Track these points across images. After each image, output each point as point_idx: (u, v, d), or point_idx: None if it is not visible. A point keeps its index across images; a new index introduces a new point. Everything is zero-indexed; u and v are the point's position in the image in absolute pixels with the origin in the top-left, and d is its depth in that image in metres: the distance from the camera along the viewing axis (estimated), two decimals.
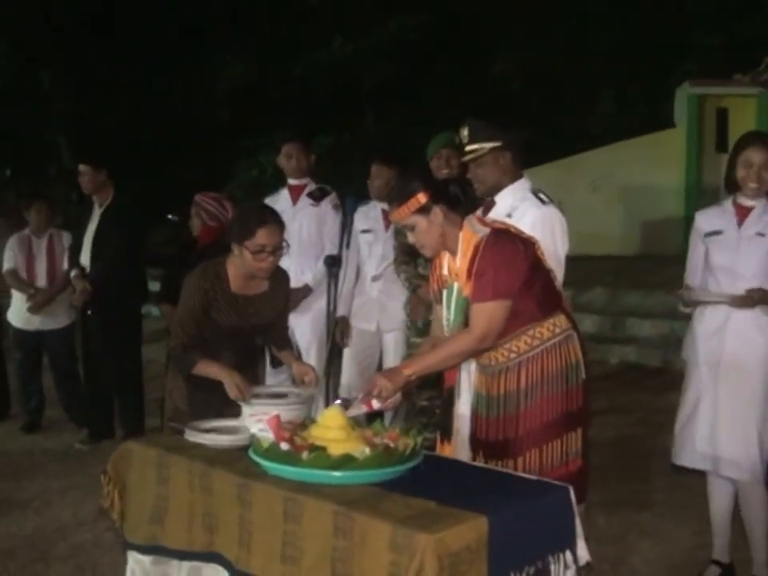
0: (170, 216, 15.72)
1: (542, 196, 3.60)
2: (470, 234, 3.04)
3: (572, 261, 9.99)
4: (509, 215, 3.49)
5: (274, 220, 3.47)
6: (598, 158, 15.24)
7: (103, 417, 5.90)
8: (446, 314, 3.19)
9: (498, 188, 3.60)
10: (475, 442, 3.22)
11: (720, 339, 3.65)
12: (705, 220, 3.83)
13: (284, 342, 3.78)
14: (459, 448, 3.32)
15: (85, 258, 5.81)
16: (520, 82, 17.01)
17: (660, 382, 7.34)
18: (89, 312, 5.73)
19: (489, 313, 2.96)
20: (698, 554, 4.08)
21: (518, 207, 3.52)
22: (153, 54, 16.72)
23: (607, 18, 17.65)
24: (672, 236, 14.43)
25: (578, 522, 2.66)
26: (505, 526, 2.41)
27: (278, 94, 17.01)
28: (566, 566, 2.61)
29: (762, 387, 3.59)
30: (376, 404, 2.98)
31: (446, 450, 3.30)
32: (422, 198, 3.02)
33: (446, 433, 3.32)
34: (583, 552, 2.68)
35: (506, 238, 3.02)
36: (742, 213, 3.68)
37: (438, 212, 3.03)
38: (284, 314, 3.77)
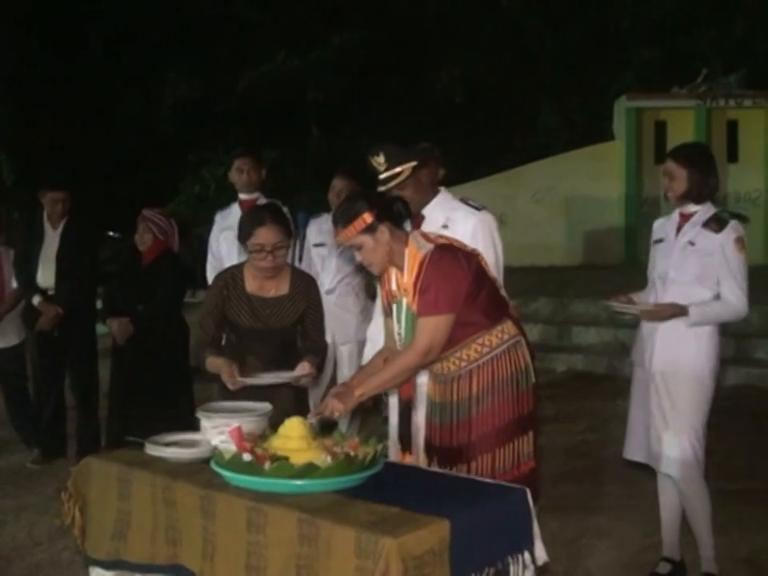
0: (111, 233, 15.61)
1: (472, 203, 3.72)
2: (414, 251, 3.12)
3: (517, 271, 10.23)
4: (445, 226, 3.58)
5: (273, 220, 3.60)
6: (541, 170, 15.47)
7: (55, 436, 5.85)
8: (397, 328, 3.26)
9: (424, 204, 3.68)
10: (429, 449, 3.29)
11: (651, 344, 3.80)
12: (656, 227, 4.02)
13: (310, 343, 3.77)
14: (419, 457, 3.40)
15: (44, 279, 5.74)
16: (462, 95, 17.20)
17: (606, 388, 7.49)
18: (54, 333, 5.69)
19: (432, 327, 3.04)
20: (651, 554, 4.16)
21: (452, 217, 3.60)
22: (97, 69, 16.62)
23: (547, 32, 17.95)
24: (613, 246, 14.72)
25: (535, 523, 2.74)
26: (466, 529, 2.48)
27: (222, 108, 16.99)
28: (525, 566, 2.68)
29: (688, 390, 3.71)
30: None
31: (407, 460, 3.38)
32: (367, 217, 3.09)
33: (406, 443, 3.40)
34: (541, 552, 2.75)
35: (448, 254, 3.10)
36: (683, 220, 3.82)
37: (384, 230, 3.11)
38: (312, 321, 3.77)
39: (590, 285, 10.47)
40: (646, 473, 4.52)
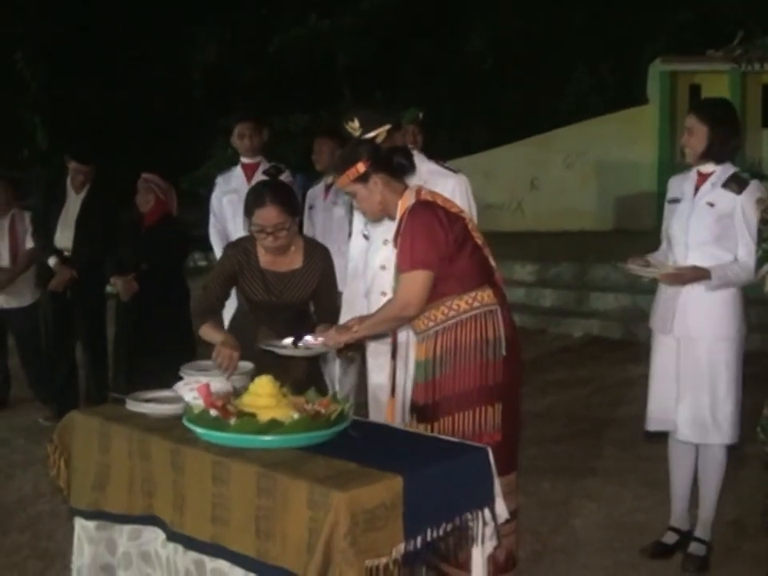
0: None
1: (449, 165, 3.75)
2: (404, 203, 3.15)
3: (546, 236, 10.23)
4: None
5: (274, 201, 3.53)
6: (572, 134, 15.32)
7: (68, 394, 5.99)
8: (388, 276, 3.33)
9: None
10: (412, 404, 3.32)
11: (672, 309, 3.75)
12: (672, 185, 3.90)
13: (325, 314, 3.75)
14: (398, 406, 3.48)
15: (62, 242, 5.86)
16: (493, 59, 17.06)
17: (620, 354, 7.49)
18: (67, 293, 5.82)
19: (408, 282, 3.07)
20: (638, 516, 4.22)
21: (429, 179, 3.59)
22: (127, 33, 16.71)
23: None
24: (645, 211, 14.55)
25: (496, 481, 2.78)
26: (421, 485, 2.53)
27: (252, 72, 17.01)
28: (485, 523, 2.73)
29: (708, 355, 3.68)
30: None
31: (390, 403, 3.47)
32: (361, 167, 3.13)
33: (392, 387, 3.47)
34: (502, 510, 2.79)
35: (427, 209, 3.11)
36: (701, 180, 3.73)
37: (377, 181, 3.14)
38: (326, 291, 3.75)
39: (616, 250, 10.38)
40: (643, 438, 4.56)
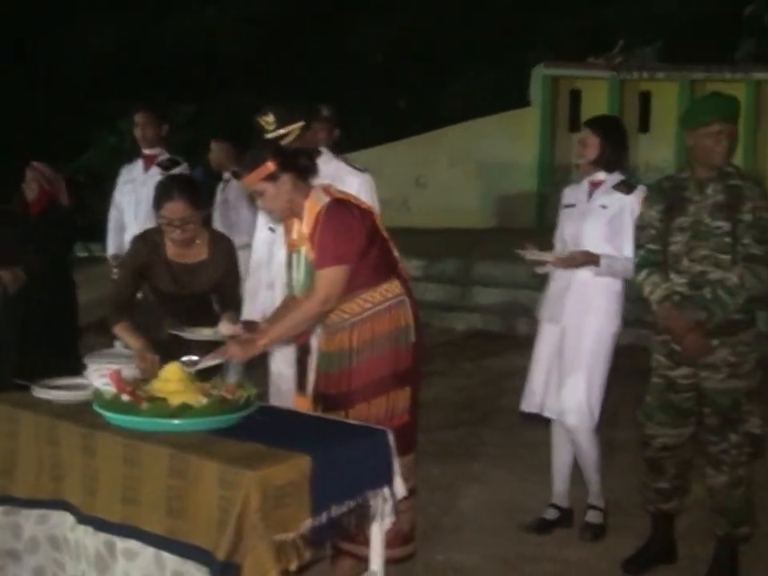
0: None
1: (356, 164, 3.93)
2: (313, 203, 3.29)
3: (432, 233, 10.46)
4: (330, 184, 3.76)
5: (181, 195, 3.67)
6: (458, 134, 15.70)
7: None
8: (296, 275, 3.44)
9: None
10: (316, 395, 3.49)
11: (562, 300, 4.04)
12: (566, 193, 4.25)
13: (229, 303, 3.87)
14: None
15: None
16: (382, 56, 17.30)
17: (502, 346, 7.80)
18: None
19: (329, 278, 3.22)
20: (521, 497, 4.49)
21: (337, 177, 3.77)
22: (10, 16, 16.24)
23: None
24: (526, 210, 15.05)
25: (395, 461, 2.98)
26: (327, 464, 2.70)
27: (137, 59, 16.79)
28: (385, 500, 2.94)
29: (592, 346, 3.98)
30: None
31: (300, 402, 3.57)
32: (270, 165, 3.25)
33: (302, 386, 3.60)
34: (400, 488, 2.99)
35: (344, 208, 3.27)
36: (593, 188, 4.07)
37: (285, 180, 3.27)
38: (230, 282, 3.89)
39: (497, 247, 10.76)
40: (527, 424, 4.84)
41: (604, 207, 3.96)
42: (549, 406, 4.09)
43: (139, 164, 5.62)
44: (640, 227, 3.75)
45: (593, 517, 4.09)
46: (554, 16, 18.71)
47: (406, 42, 17.55)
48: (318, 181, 3.79)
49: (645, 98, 17.02)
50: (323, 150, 3.97)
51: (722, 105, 3.68)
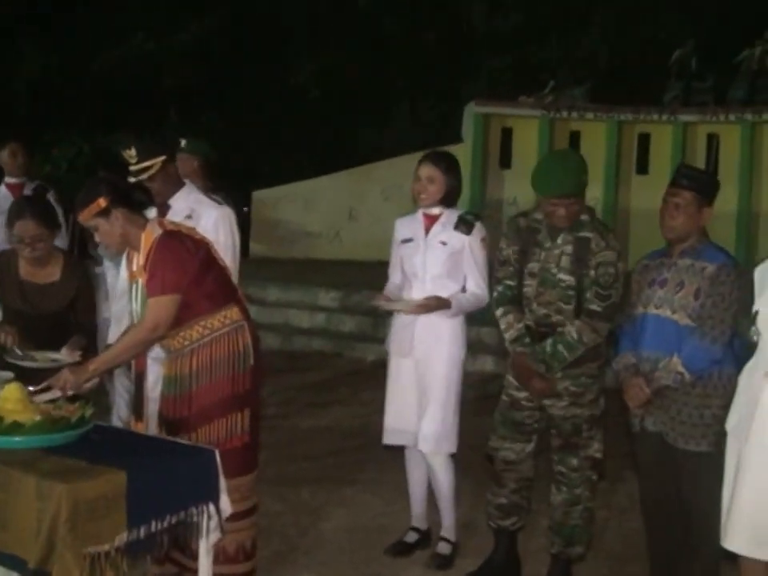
0: None
1: (215, 197, 4.12)
2: (148, 236, 3.47)
3: (361, 265, 10.60)
4: (189, 216, 3.96)
5: (33, 214, 3.89)
6: (391, 167, 15.98)
7: None
8: (135, 306, 3.60)
9: (170, 195, 4.05)
10: (161, 419, 3.64)
11: (410, 332, 4.21)
12: (400, 227, 4.38)
13: (78, 328, 4.04)
14: (150, 426, 3.76)
15: None
16: (318, 90, 17.59)
17: None
18: None
19: (158, 306, 3.40)
20: (384, 520, 4.66)
21: (196, 209, 3.99)
22: None
23: (403, 34, 18.51)
24: None
25: (222, 479, 3.13)
26: (144, 481, 2.86)
27: (77, 88, 16.90)
28: (210, 517, 3.09)
29: (445, 374, 4.16)
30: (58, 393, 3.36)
31: (138, 428, 3.73)
32: (102, 202, 3.42)
33: (138, 413, 3.76)
34: (226, 505, 3.15)
35: (175, 239, 3.46)
36: (429, 221, 4.24)
37: (117, 215, 3.44)
38: (82, 305, 4.06)
39: None
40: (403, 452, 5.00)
41: (444, 243, 4.14)
42: (407, 435, 4.25)
43: (3, 191, 5.79)
44: (500, 261, 3.95)
45: (443, 548, 4.24)
46: (489, 54, 19.11)
47: (342, 77, 17.86)
48: (179, 212, 4.01)
49: (575, 138, 17.47)
50: (187, 182, 4.16)
51: (563, 180, 3.72)
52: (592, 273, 3.69)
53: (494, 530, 4.07)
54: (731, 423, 3.18)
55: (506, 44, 18.96)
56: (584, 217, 3.79)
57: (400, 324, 4.24)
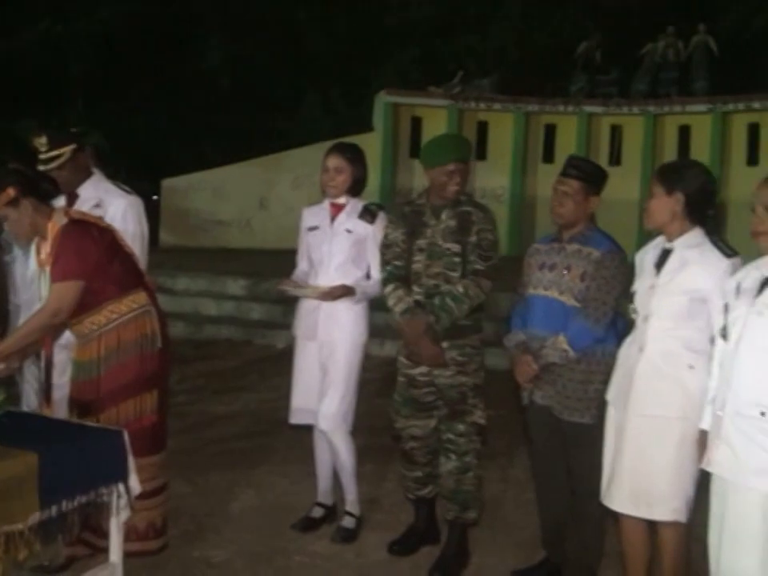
0: None
1: (123, 187, 4.21)
2: (54, 224, 3.55)
3: (272, 254, 10.68)
4: (97, 205, 4.05)
5: None
6: (302, 156, 16.06)
7: None
8: (44, 292, 3.68)
9: (79, 184, 4.13)
10: (72, 403, 3.74)
11: (315, 317, 4.35)
12: (307, 215, 4.51)
13: None
14: (59, 410, 3.85)
15: None
16: (229, 78, 17.55)
17: None
18: None
19: (60, 292, 3.50)
20: (290, 498, 4.80)
21: (104, 198, 4.09)
22: None
23: (315, 23, 18.59)
24: None
25: (131, 459, 3.24)
26: (55, 462, 2.95)
27: None
28: (119, 496, 3.20)
29: (347, 357, 4.31)
30: None
31: (47, 412, 3.82)
32: (11, 192, 3.49)
33: (48, 397, 3.84)
34: (135, 484, 3.27)
35: (78, 227, 3.55)
36: (335, 210, 4.39)
37: (27, 205, 3.52)
38: None
39: None
40: (310, 433, 5.15)
41: (349, 231, 4.30)
42: (311, 414, 4.41)
43: None
44: (386, 245, 4.13)
45: (347, 522, 4.41)
46: (400, 44, 19.29)
47: (253, 65, 17.84)
48: (88, 201, 4.09)
49: (482, 128, 17.82)
50: (95, 171, 4.23)
51: (457, 146, 4.09)
52: (473, 238, 3.92)
53: (412, 500, 4.31)
54: (611, 394, 3.43)
55: (417, 35, 19.17)
56: (463, 197, 4.03)
57: (306, 309, 4.39)
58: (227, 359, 8.62)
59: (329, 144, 4.65)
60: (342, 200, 4.35)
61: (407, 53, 19.13)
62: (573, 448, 3.63)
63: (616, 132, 17.71)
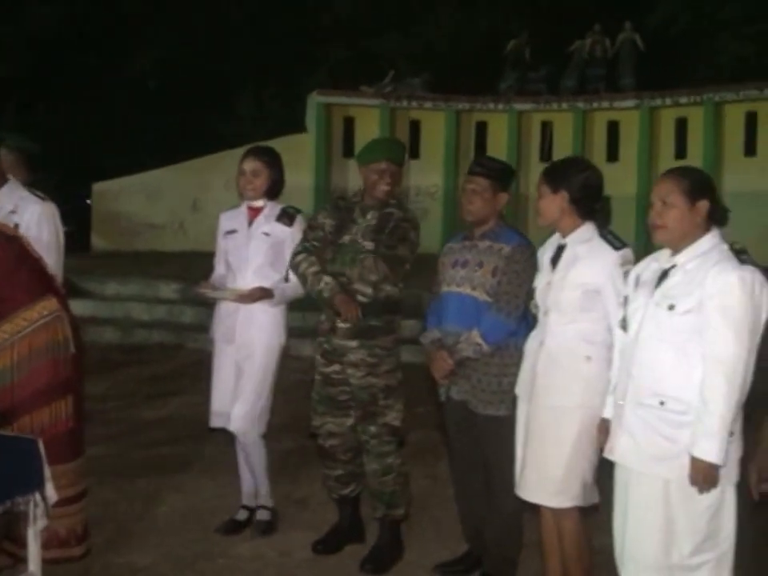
0: None
1: (38, 193, 4.19)
2: None
3: (205, 257, 10.59)
4: (13, 212, 4.04)
5: None
6: (235, 158, 15.58)
7: None
8: None
9: None
10: None
11: (233, 320, 4.36)
12: (224, 220, 4.54)
13: None
14: None
15: None
16: (159, 80, 17.41)
17: None
18: None
19: None
20: (216, 502, 4.79)
21: (20, 205, 4.09)
22: None
23: (246, 24, 18.52)
24: None
25: (46, 467, 3.22)
26: None
27: None
28: (36, 504, 3.18)
29: (263, 360, 4.33)
30: None
31: None
32: None
33: None
34: (51, 493, 3.24)
35: None
36: (253, 213, 4.41)
37: None
38: None
39: None
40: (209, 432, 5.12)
41: (267, 234, 4.32)
42: (223, 416, 4.42)
43: None
44: (311, 227, 4.15)
45: (262, 515, 4.45)
46: (333, 45, 19.30)
47: (185, 66, 17.72)
48: (3, 208, 4.06)
49: (415, 126, 17.92)
50: (10, 178, 4.19)
51: (390, 147, 4.19)
52: (386, 233, 3.98)
53: (336, 500, 4.33)
54: (519, 387, 3.51)
55: (349, 35, 19.20)
56: (393, 201, 4.09)
57: (224, 312, 4.40)
58: (158, 364, 8.56)
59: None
60: (259, 203, 4.37)
61: (340, 53, 19.15)
62: (488, 441, 3.70)
63: (547, 128, 17.94)
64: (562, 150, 17.35)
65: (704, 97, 16.23)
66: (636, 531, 2.85)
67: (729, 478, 2.81)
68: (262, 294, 4.26)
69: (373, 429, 4.02)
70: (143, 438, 6.02)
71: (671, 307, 2.77)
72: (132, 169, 16.24)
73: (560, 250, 3.41)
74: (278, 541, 4.31)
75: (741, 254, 2.77)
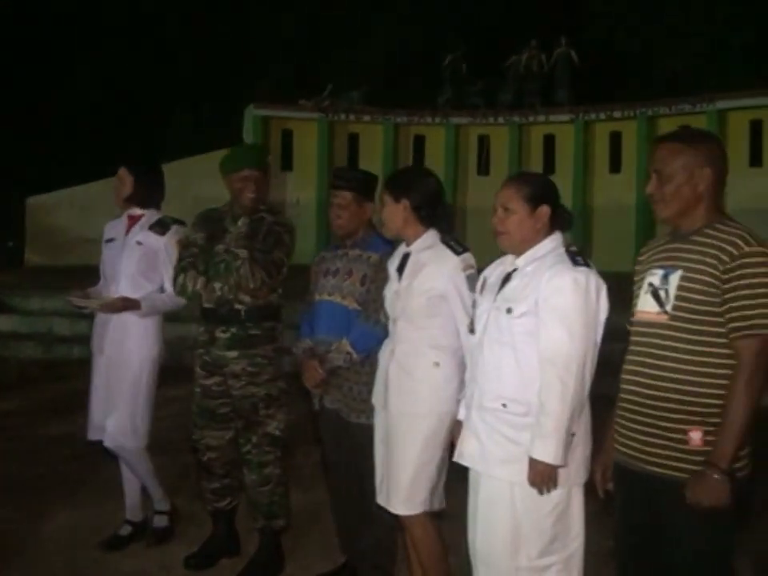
0: None
1: None
2: None
3: None
4: None
5: None
6: (172, 171, 15.63)
7: None
8: None
9: None
10: None
11: (103, 333, 4.31)
12: (107, 228, 4.49)
13: None
14: None
15: None
16: (97, 95, 17.31)
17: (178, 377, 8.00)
18: None
19: None
20: (107, 518, 4.68)
21: None
22: None
23: (185, 39, 18.46)
24: None
25: None
26: None
27: None
28: None
29: (135, 372, 4.27)
30: None
31: None
32: None
33: None
34: None
35: None
36: (131, 222, 4.37)
37: None
38: None
39: None
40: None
41: (140, 244, 4.27)
42: (101, 429, 4.33)
43: None
44: (184, 246, 4.09)
45: (158, 521, 4.43)
46: (272, 58, 19.33)
47: (123, 79, 17.62)
48: None
49: (353, 140, 17.98)
50: None
51: (250, 155, 4.14)
52: (260, 239, 3.95)
53: (211, 512, 4.27)
54: (374, 397, 3.50)
55: (289, 49, 19.25)
56: (263, 207, 4.06)
57: (99, 323, 4.36)
58: (77, 379, 8.37)
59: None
60: (136, 212, 4.33)
61: (279, 68, 19.19)
62: (360, 450, 3.67)
63: (484, 142, 18.11)
64: (499, 163, 17.53)
65: (638, 111, 16.51)
66: (485, 534, 2.85)
67: (574, 478, 2.82)
68: (125, 305, 4.19)
69: (254, 438, 3.99)
70: (43, 455, 5.93)
71: (509, 310, 2.78)
72: (66, 182, 16.09)
73: (405, 258, 3.41)
74: (160, 555, 4.25)
75: (576, 256, 2.80)
